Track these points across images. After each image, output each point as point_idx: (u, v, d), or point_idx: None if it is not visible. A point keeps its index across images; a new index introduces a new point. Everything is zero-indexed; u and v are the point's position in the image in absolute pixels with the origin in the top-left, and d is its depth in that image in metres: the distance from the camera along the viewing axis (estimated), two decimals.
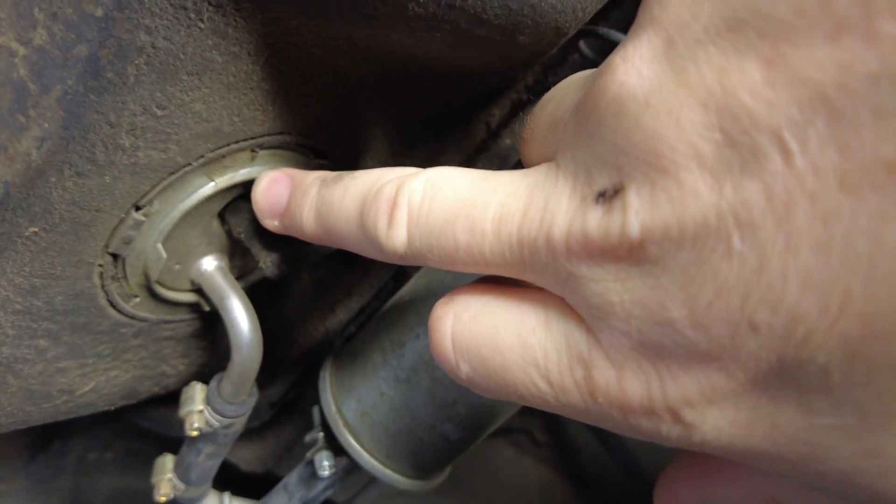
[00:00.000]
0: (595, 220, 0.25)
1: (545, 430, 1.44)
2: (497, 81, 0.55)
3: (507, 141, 0.62)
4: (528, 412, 1.38)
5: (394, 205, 0.32)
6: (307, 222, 0.40)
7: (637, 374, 0.25)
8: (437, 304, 0.34)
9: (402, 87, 0.50)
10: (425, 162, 0.66)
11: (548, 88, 0.60)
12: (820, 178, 0.19)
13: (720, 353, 0.22)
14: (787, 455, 0.23)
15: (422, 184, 0.32)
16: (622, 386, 0.26)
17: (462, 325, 0.32)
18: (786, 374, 0.21)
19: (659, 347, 0.24)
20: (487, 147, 0.63)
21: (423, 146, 0.63)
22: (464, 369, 0.32)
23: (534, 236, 0.27)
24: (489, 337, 0.31)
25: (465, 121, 0.65)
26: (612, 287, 0.25)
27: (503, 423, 1.37)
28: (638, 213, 0.23)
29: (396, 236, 0.32)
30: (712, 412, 0.24)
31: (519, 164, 0.66)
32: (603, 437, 1.25)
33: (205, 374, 0.71)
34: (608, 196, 0.24)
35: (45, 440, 1.22)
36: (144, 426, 0.86)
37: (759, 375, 0.22)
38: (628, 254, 0.24)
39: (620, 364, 0.26)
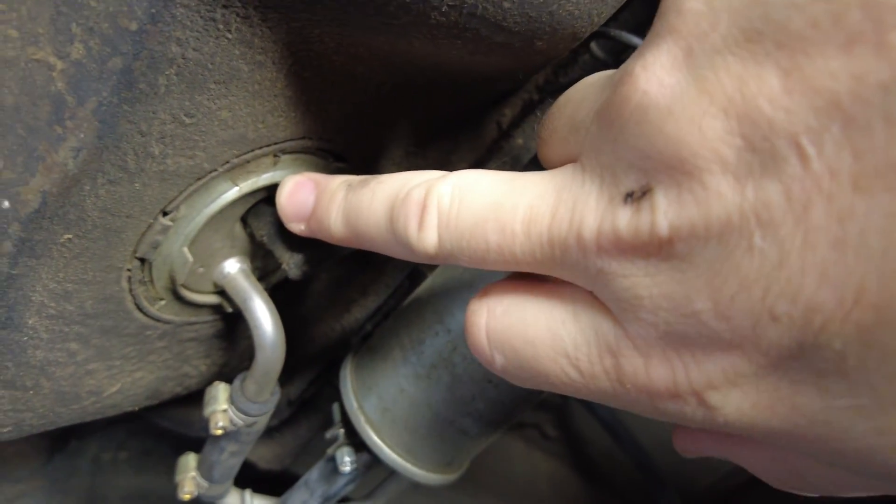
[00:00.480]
0: (625, 219, 0.26)
1: (555, 424, 1.45)
2: (510, 84, 0.56)
3: (519, 141, 0.63)
4: (538, 407, 1.39)
5: (424, 208, 0.34)
6: (335, 226, 0.41)
7: (663, 362, 0.27)
8: (471, 300, 0.36)
9: (419, 92, 0.51)
10: (438, 162, 0.67)
11: (559, 88, 0.62)
12: (835, 181, 0.20)
13: (742, 342, 0.24)
14: (806, 435, 0.24)
15: (449, 188, 0.34)
16: (649, 373, 0.27)
17: (495, 319, 0.34)
18: (804, 359, 0.23)
19: (684, 337, 0.26)
20: (499, 147, 0.64)
21: (436, 146, 0.65)
22: (498, 360, 0.34)
23: (564, 236, 0.28)
24: (521, 329, 0.32)
25: (477, 121, 0.66)
26: (641, 281, 0.26)
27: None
28: (666, 213, 0.24)
29: (428, 238, 0.34)
30: (735, 395, 0.25)
31: (531, 164, 0.67)
32: (613, 430, 1.27)
33: (226, 374, 0.73)
34: (636, 197, 0.26)
35: (61, 440, 1.24)
36: (164, 426, 0.87)
37: (780, 361, 0.23)
38: (658, 250, 0.25)
39: (647, 353, 0.27)
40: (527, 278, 0.34)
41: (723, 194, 0.23)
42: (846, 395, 0.22)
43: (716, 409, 0.26)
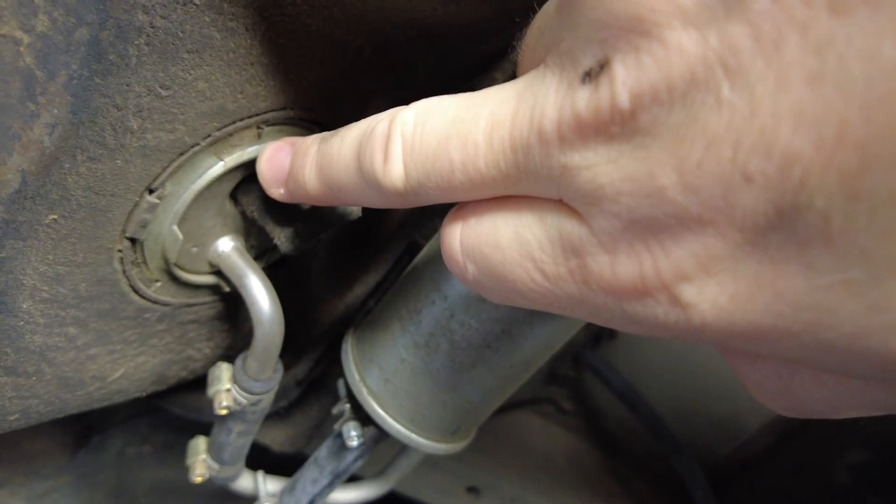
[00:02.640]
0: (584, 100, 0.24)
1: (571, 398, 1.45)
2: (495, 41, 0.54)
3: None
4: (554, 382, 1.39)
5: (388, 138, 0.33)
6: (310, 181, 0.40)
7: (629, 256, 0.25)
8: (447, 214, 0.35)
9: (401, 53, 0.50)
10: None
11: None
12: (810, 7, 0.18)
13: (713, 216, 0.22)
14: (791, 327, 0.22)
15: (413, 113, 0.32)
16: (615, 270, 0.25)
17: (469, 227, 0.33)
18: (784, 229, 0.20)
19: (650, 223, 0.23)
20: None
21: None
22: (470, 270, 0.33)
23: (526, 136, 0.27)
24: (490, 235, 0.31)
25: (468, 87, 0.65)
26: (603, 170, 0.24)
27: (528, 393, 1.38)
28: (625, 82, 0.23)
29: (393, 170, 0.32)
30: (710, 286, 0.23)
31: None
32: (629, 401, 1.26)
33: (231, 357, 0.73)
34: (594, 73, 0.24)
35: (84, 436, 1.26)
36: (177, 413, 0.88)
37: (757, 233, 0.21)
38: (621, 128, 0.23)
39: (613, 248, 0.25)
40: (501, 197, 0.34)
41: (684, 48, 0.21)
42: (833, 268, 0.20)
43: (690, 307, 0.24)
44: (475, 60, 0.59)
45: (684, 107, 0.21)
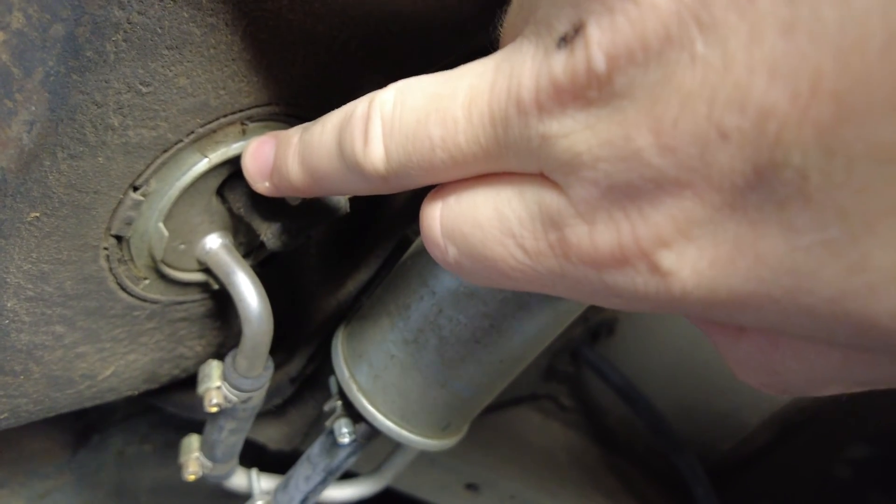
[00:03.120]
0: (560, 64, 0.24)
1: (570, 395, 1.44)
2: (483, 36, 0.54)
3: None
4: (552, 378, 1.39)
5: (367, 120, 0.32)
6: (293, 172, 0.40)
7: (608, 224, 0.24)
8: (427, 196, 0.34)
9: (387, 49, 0.50)
10: None
11: None
12: None
13: (691, 178, 0.21)
14: (772, 292, 0.21)
15: (392, 93, 0.32)
16: (594, 239, 0.25)
17: (448, 207, 0.32)
18: (762, 188, 0.20)
19: (627, 188, 0.23)
20: None
21: None
22: (451, 252, 0.32)
23: (504, 107, 0.26)
24: (470, 213, 0.31)
25: None
26: (581, 137, 0.24)
27: (527, 389, 1.38)
28: (600, 44, 0.22)
29: (374, 152, 0.32)
30: (689, 252, 0.23)
31: None
32: (628, 397, 1.26)
33: (223, 354, 0.73)
34: (569, 37, 0.24)
35: (83, 436, 1.26)
36: (171, 411, 0.88)
37: (736, 194, 0.21)
38: (598, 92, 0.23)
39: (591, 218, 0.25)
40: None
41: (657, 5, 0.21)
42: (812, 228, 0.19)
43: (670, 275, 0.23)
44: (465, 55, 0.59)
45: (660, 66, 0.21)
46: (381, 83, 0.56)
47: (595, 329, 1.31)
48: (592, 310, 1.25)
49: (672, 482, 1.50)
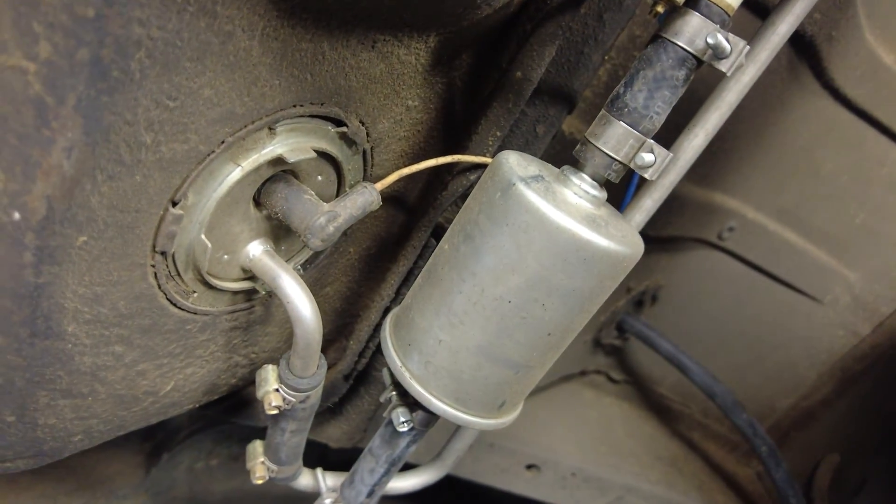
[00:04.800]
0: None
1: (620, 367, 1.43)
2: (491, 13, 0.54)
3: (518, 74, 0.61)
4: (599, 352, 1.37)
5: None
6: None
7: None
8: None
9: (404, 34, 0.50)
10: (442, 113, 0.66)
11: (549, 13, 0.59)
12: None
13: None
14: None
15: None
16: None
17: None
18: None
19: None
20: (501, 85, 0.63)
21: (437, 98, 0.64)
22: None
23: None
24: None
25: (479, 67, 0.65)
26: None
27: (576, 366, 1.37)
28: None
29: None
30: None
31: (533, 98, 0.65)
32: (679, 363, 1.24)
33: (276, 359, 0.74)
34: None
35: (154, 455, 1.30)
36: (232, 421, 0.90)
37: None
38: None
39: None
40: None
41: None
42: None
43: None
44: (474, 35, 0.59)
45: None
46: (400, 74, 0.56)
47: (639, 298, 1.29)
48: (634, 279, 1.23)
49: (733, 444, 1.48)
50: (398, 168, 0.62)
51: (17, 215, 0.39)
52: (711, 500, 1.36)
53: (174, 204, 0.47)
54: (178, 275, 0.53)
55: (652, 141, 0.51)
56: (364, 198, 0.57)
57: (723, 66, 0.49)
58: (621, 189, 0.80)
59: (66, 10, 0.33)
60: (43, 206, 0.39)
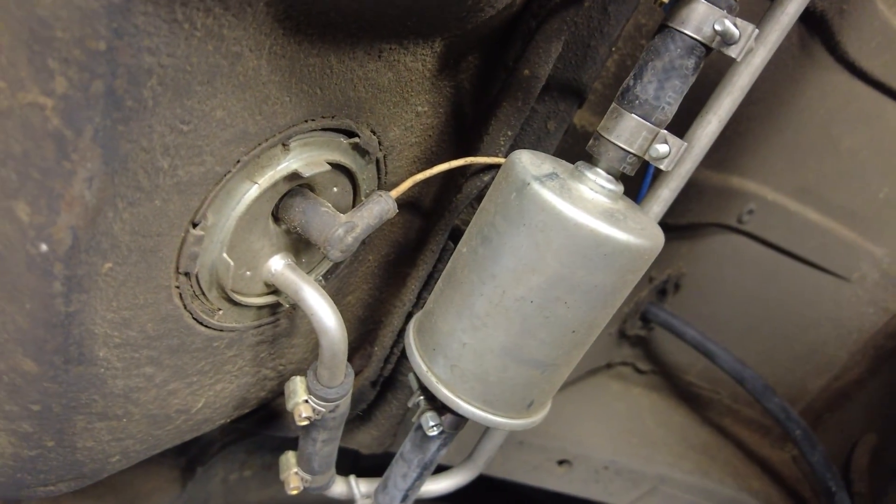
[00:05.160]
0: None
1: (646, 357, 1.42)
2: (495, 14, 0.54)
3: (525, 72, 0.61)
4: (624, 344, 1.37)
5: None
6: None
7: None
8: None
9: (409, 41, 0.50)
10: (452, 117, 0.66)
11: (553, 9, 0.59)
12: None
13: None
14: None
15: None
16: None
17: None
18: None
19: None
20: (508, 85, 0.63)
21: (446, 102, 0.64)
22: None
23: None
24: None
25: (484, 66, 0.65)
26: None
27: (602, 359, 1.36)
28: None
29: None
30: None
31: (542, 95, 0.65)
32: (706, 350, 1.23)
33: (304, 370, 0.75)
34: None
35: (189, 470, 1.32)
36: (264, 433, 0.91)
37: None
38: None
39: None
40: None
41: None
42: None
43: None
44: (485, 32, 0.59)
45: None
46: (408, 82, 0.56)
47: (661, 287, 1.28)
48: (656, 268, 1.22)
49: (766, 428, 1.46)
50: (412, 174, 0.63)
51: (44, 247, 0.40)
52: (747, 486, 1.34)
53: (194, 225, 0.48)
54: (203, 294, 0.54)
55: (665, 131, 0.51)
56: (380, 206, 0.58)
57: (732, 52, 0.49)
58: (637, 181, 0.79)
59: (79, 44, 0.34)
60: (68, 237, 0.40)
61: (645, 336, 1.35)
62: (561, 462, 1.27)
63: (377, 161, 0.61)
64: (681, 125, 0.60)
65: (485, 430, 0.81)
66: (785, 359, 1.36)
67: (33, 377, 0.47)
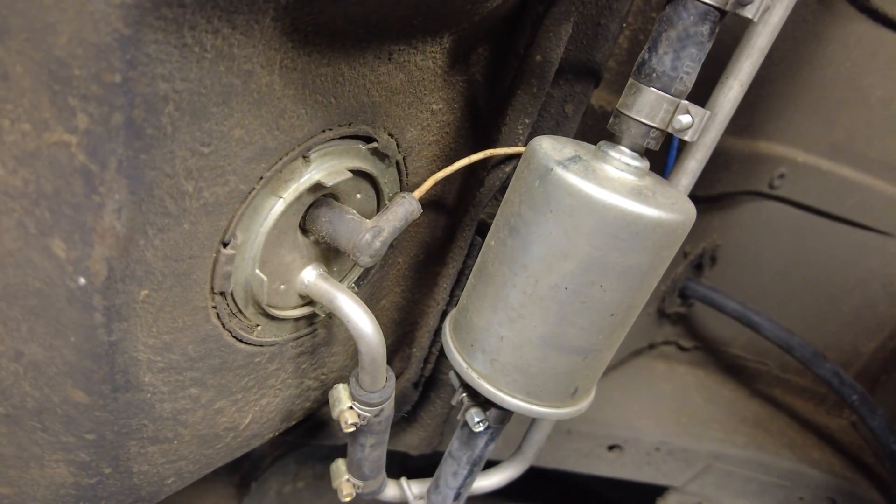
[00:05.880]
0: None
1: (688, 335, 1.40)
2: (501, 3, 0.53)
3: (538, 57, 0.60)
4: (665, 323, 1.35)
5: None
6: None
7: None
8: None
9: (418, 40, 0.50)
10: (468, 111, 0.65)
11: None
12: None
13: None
14: None
15: None
16: None
17: None
18: None
19: None
20: (521, 73, 0.62)
21: (460, 97, 0.63)
22: None
23: None
24: None
25: (495, 57, 0.64)
26: None
27: (643, 340, 1.34)
28: None
29: None
30: None
31: (557, 79, 0.64)
32: (749, 321, 1.20)
33: (345, 377, 0.76)
34: None
35: (243, 486, 1.34)
36: (312, 443, 0.92)
37: None
38: None
39: None
40: None
41: None
42: None
43: None
44: (494, 20, 0.58)
45: None
46: (419, 81, 0.56)
47: (697, 261, 1.26)
48: (690, 242, 1.20)
49: (820, 396, 1.43)
50: (432, 173, 0.62)
51: (82, 280, 0.41)
52: (806, 456, 1.31)
53: (225, 245, 0.49)
54: (240, 311, 0.55)
55: (686, 102, 0.49)
56: (404, 208, 0.58)
57: (748, 13, 0.47)
58: (662, 155, 0.78)
59: (96, 79, 0.34)
60: (104, 268, 0.41)
61: (685, 313, 1.33)
62: (611, 447, 1.26)
63: (397, 163, 0.61)
64: (702, 94, 0.58)
65: (531, 422, 0.81)
66: (833, 323, 1.32)
67: (85, 407, 0.48)
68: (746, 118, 1.00)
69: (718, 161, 1.01)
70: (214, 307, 0.51)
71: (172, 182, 0.41)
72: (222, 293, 0.51)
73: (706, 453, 1.27)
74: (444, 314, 0.76)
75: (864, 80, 1.02)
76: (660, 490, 1.31)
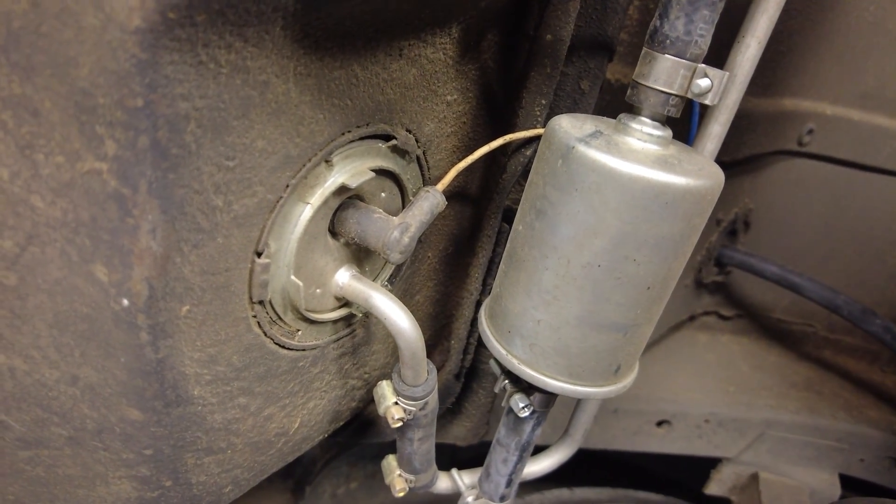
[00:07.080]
0: None
1: (728, 303, 1.38)
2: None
3: (548, 37, 0.60)
4: (703, 293, 1.33)
5: None
6: None
7: None
8: None
9: (427, 33, 0.50)
10: (483, 100, 0.65)
11: None
12: None
13: None
14: None
15: None
16: None
17: None
18: None
19: None
20: (533, 53, 0.62)
21: (473, 86, 0.63)
22: None
23: None
24: None
25: (505, 41, 0.64)
26: None
27: (684, 312, 1.32)
28: None
29: None
30: None
31: (570, 56, 0.63)
32: (790, 283, 1.17)
33: (388, 374, 0.77)
34: None
35: (298, 490, 1.37)
36: (361, 442, 0.93)
37: None
38: None
39: None
40: None
41: None
42: None
43: None
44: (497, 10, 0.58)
45: None
46: (431, 74, 0.56)
47: (731, 228, 1.24)
48: (722, 209, 1.18)
49: (873, 354, 1.39)
50: (453, 164, 0.62)
51: (125, 302, 0.42)
52: (863, 417, 1.28)
53: (259, 255, 0.50)
54: (280, 318, 0.56)
55: (703, 65, 0.49)
56: (429, 202, 0.58)
57: None
58: (685, 122, 0.77)
59: (119, 106, 0.35)
60: (145, 288, 0.42)
61: (723, 281, 1.31)
62: (660, 423, 1.25)
63: (418, 158, 0.61)
64: (719, 55, 0.57)
65: (577, 403, 0.81)
66: (878, 278, 1.29)
67: (141, 424, 0.49)
68: (768, 76, 0.98)
69: (742, 123, 0.99)
70: (255, 316, 0.53)
71: (202, 198, 0.42)
72: (261, 302, 0.52)
73: (758, 421, 1.25)
74: (478, 304, 0.76)
75: (891, 23, 0.99)
76: (713, 462, 1.29)
